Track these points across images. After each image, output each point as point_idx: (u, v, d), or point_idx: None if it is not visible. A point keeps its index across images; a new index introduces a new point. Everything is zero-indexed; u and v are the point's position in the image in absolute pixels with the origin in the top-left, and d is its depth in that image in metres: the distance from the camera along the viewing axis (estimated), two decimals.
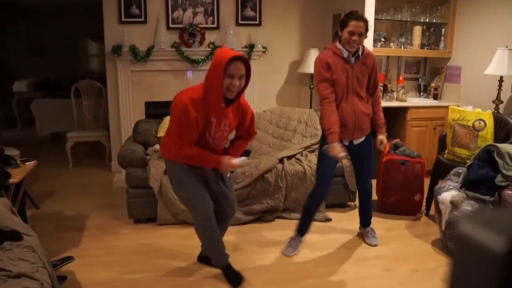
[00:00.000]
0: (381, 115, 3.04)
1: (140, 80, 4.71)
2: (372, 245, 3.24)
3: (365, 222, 3.35)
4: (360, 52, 2.83)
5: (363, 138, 3.00)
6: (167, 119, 3.88)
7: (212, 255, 2.75)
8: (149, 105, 4.91)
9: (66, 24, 8.43)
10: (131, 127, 4.21)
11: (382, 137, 3.02)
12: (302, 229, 3.14)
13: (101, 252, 3.09)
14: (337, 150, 2.70)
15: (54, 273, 2.19)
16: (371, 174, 3.22)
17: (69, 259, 2.80)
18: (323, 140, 2.91)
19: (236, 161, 2.49)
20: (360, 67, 2.85)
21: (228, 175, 2.74)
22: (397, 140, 4.02)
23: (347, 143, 2.96)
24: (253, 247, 3.20)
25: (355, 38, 2.69)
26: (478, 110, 3.74)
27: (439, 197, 3.16)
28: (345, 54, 2.79)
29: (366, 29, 2.74)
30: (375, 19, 4.47)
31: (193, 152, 2.39)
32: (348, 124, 2.85)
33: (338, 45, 2.81)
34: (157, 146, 3.68)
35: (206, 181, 2.63)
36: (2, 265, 1.93)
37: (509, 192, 2.78)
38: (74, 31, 8.59)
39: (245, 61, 2.33)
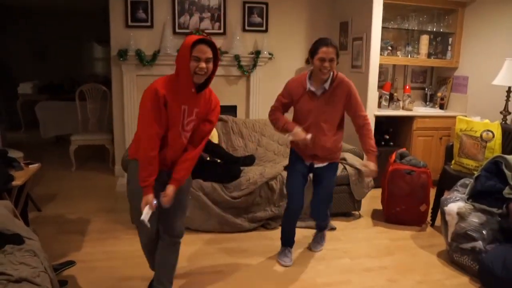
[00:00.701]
0: (371, 143, 2.83)
1: (146, 84, 4.63)
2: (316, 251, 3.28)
3: (318, 227, 3.35)
4: (327, 85, 2.75)
5: (325, 163, 2.95)
6: None
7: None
8: None
9: (71, 27, 8.47)
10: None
11: (368, 162, 2.80)
12: (289, 241, 3.14)
13: (103, 257, 3.06)
14: (300, 133, 2.72)
15: (55, 278, 2.17)
16: (325, 202, 3.10)
17: (70, 263, 2.78)
18: (292, 156, 2.98)
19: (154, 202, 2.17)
20: (327, 100, 2.77)
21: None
22: (403, 150, 3.99)
23: (308, 164, 2.95)
24: (257, 254, 3.17)
25: (326, 64, 2.65)
26: (486, 120, 3.70)
27: (445, 208, 3.12)
28: (307, 87, 2.78)
29: (337, 55, 2.69)
30: (382, 27, 4.46)
31: (152, 153, 2.18)
32: (306, 151, 2.88)
33: (307, 77, 2.80)
34: None
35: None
36: (3, 269, 1.90)
37: None
38: (79, 34, 8.64)
39: (211, 44, 2.25)
